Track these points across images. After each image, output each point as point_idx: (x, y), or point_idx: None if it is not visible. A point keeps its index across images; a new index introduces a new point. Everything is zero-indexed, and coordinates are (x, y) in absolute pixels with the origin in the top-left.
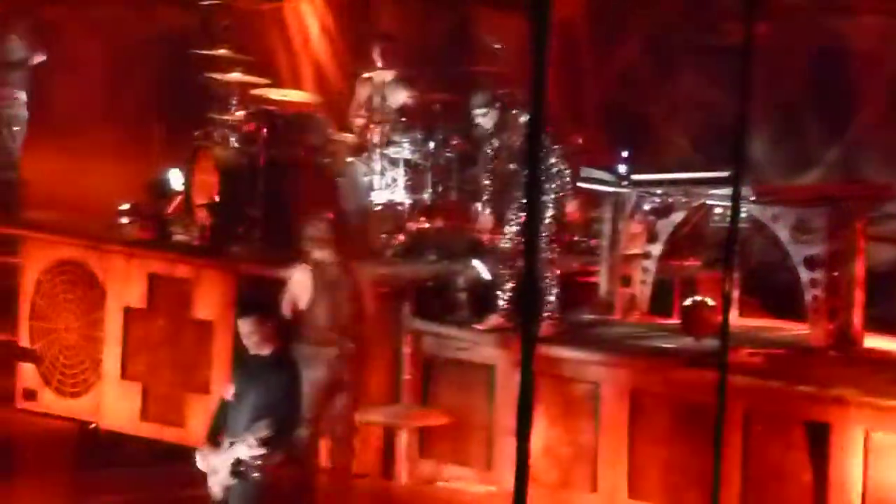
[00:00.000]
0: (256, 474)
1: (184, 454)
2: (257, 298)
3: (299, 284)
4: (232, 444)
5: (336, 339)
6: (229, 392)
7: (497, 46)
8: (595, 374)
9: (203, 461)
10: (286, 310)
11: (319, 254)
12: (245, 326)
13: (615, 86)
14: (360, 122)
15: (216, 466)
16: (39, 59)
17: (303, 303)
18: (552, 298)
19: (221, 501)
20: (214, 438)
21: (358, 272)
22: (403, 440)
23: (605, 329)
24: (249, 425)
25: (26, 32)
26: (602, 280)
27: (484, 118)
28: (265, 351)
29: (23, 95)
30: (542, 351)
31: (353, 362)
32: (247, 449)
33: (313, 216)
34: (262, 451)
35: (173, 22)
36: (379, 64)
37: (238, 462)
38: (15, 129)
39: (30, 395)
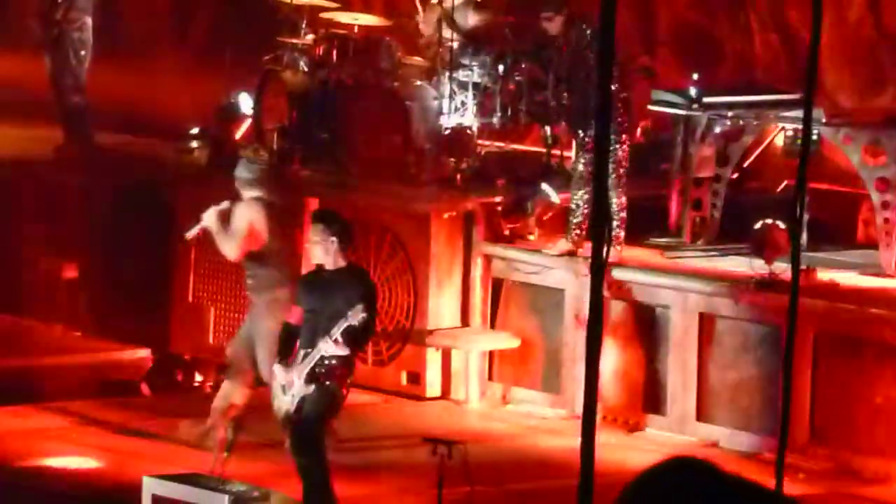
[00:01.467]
0: (329, 382)
1: None
2: (330, 212)
3: (247, 219)
4: (307, 353)
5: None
6: (296, 314)
7: None
8: (665, 298)
9: (276, 379)
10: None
11: (251, 192)
12: (313, 234)
13: (687, 7)
14: (429, 45)
15: (289, 383)
16: None
17: (254, 237)
18: (616, 225)
19: (291, 416)
20: (284, 358)
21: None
22: (473, 363)
23: (675, 252)
24: (330, 329)
25: None
26: (673, 204)
27: (550, 23)
28: (334, 264)
29: (89, 20)
30: (613, 275)
31: None
32: (331, 346)
33: (245, 158)
34: (342, 347)
35: None
36: None
37: (317, 364)
38: (81, 53)
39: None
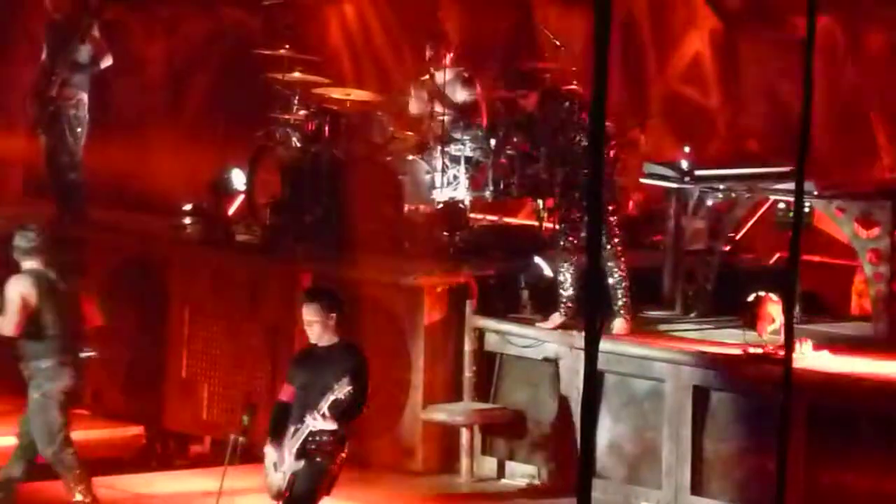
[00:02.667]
0: (319, 458)
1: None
2: (323, 289)
3: (18, 292)
4: (297, 429)
5: (70, 348)
6: (287, 392)
7: (559, 44)
8: (659, 371)
9: (267, 457)
10: (15, 321)
11: (30, 263)
12: (310, 314)
13: (678, 81)
14: (421, 120)
15: (280, 459)
16: (107, 63)
17: (27, 310)
18: (622, 294)
19: (282, 493)
20: (276, 436)
21: (74, 281)
22: (466, 437)
23: (668, 325)
24: (319, 403)
25: (94, 35)
26: (666, 276)
27: (525, 100)
28: (328, 341)
29: (85, 97)
30: (606, 347)
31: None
32: (319, 420)
33: (21, 226)
34: (329, 423)
35: (235, 21)
36: (440, 62)
37: (307, 440)
38: (78, 130)
39: (97, 397)
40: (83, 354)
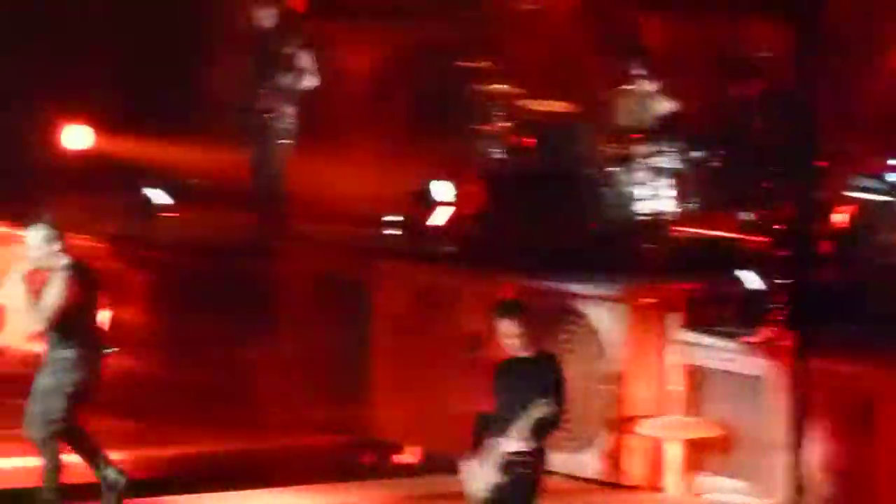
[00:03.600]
0: (521, 471)
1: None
2: (518, 301)
3: (65, 282)
4: (498, 442)
5: (94, 343)
6: (489, 403)
7: (763, 56)
8: (870, 387)
9: (468, 469)
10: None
11: (65, 259)
12: (508, 327)
13: (888, 91)
14: (623, 131)
15: (482, 471)
16: (312, 79)
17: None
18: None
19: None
20: (476, 446)
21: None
22: (673, 452)
23: (878, 339)
24: (518, 418)
25: (299, 49)
26: (872, 289)
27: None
28: (527, 352)
29: (290, 109)
30: (815, 362)
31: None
32: (516, 440)
33: (33, 224)
34: (530, 441)
35: (438, 34)
36: (641, 73)
37: (507, 455)
38: (282, 142)
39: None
40: (106, 350)
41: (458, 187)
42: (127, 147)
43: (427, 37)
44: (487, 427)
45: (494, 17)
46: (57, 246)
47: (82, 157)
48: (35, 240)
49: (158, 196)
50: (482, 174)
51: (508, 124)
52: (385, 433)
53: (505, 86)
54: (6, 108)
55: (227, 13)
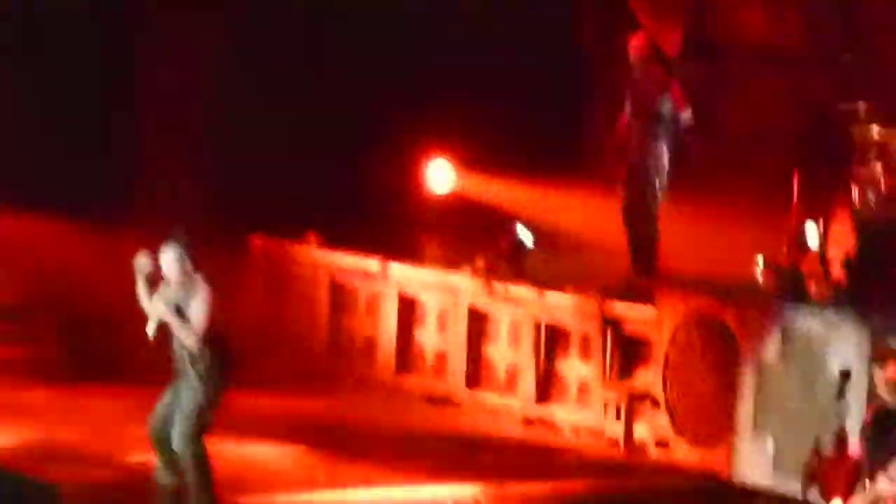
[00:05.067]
0: None
1: None
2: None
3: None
4: (867, 489)
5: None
6: (855, 447)
7: None
8: None
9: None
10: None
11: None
12: (881, 375)
13: None
14: None
15: None
16: (686, 118)
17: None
18: None
19: None
20: (849, 494)
21: None
22: None
23: None
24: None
25: (676, 89)
26: None
27: None
28: None
29: (665, 150)
30: None
31: None
32: (888, 483)
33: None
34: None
35: (811, 76)
36: None
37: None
38: (656, 183)
39: (662, 445)
40: None
41: (828, 231)
42: (492, 187)
43: (800, 79)
44: (860, 475)
45: (870, 58)
46: (189, 264)
47: (447, 196)
48: (168, 260)
49: (527, 237)
50: (855, 218)
51: (883, 168)
52: (747, 476)
53: (882, 128)
54: (369, 150)
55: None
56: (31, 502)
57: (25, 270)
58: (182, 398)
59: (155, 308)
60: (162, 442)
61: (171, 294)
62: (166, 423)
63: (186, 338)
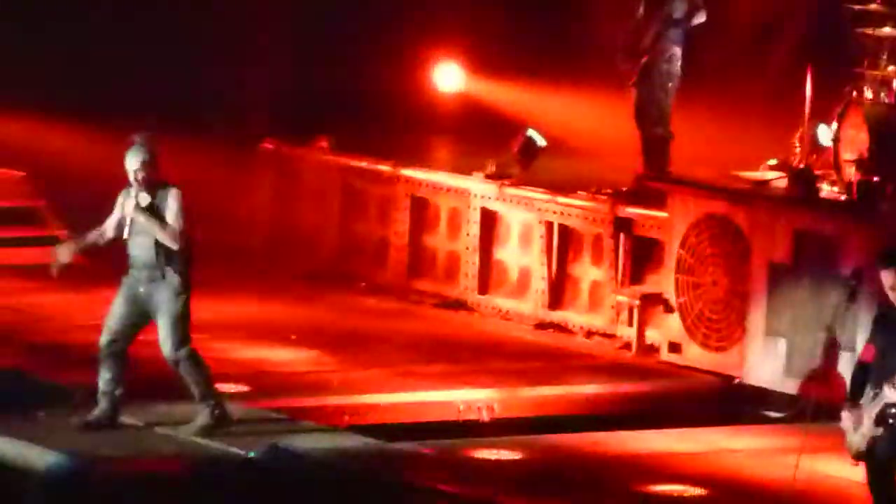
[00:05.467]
0: None
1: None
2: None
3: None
4: (876, 394)
5: None
6: (868, 352)
7: None
8: None
9: (845, 419)
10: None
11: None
12: (891, 277)
13: None
14: None
15: (858, 421)
16: (700, 19)
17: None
18: None
19: (863, 454)
20: (855, 397)
21: None
22: None
23: None
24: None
25: None
26: None
27: None
28: None
29: (678, 51)
30: None
31: None
32: (894, 392)
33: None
34: None
35: None
36: None
37: (886, 407)
38: (669, 84)
39: (674, 348)
40: None
41: (839, 132)
42: (499, 90)
43: None
44: (866, 377)
45: None
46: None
47: (453, 98)
48: (135, 163)
49: (539, 139)
50: (867, 119)
51: (895, 68)
52: (758, 379)
53: (893, 29)
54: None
55: None
56: None
57: None
58: (159, 308)
59: (127, 209)
60: (116, 356)
61: (141, 197)
62: (126, 339)
63: (166, 238)
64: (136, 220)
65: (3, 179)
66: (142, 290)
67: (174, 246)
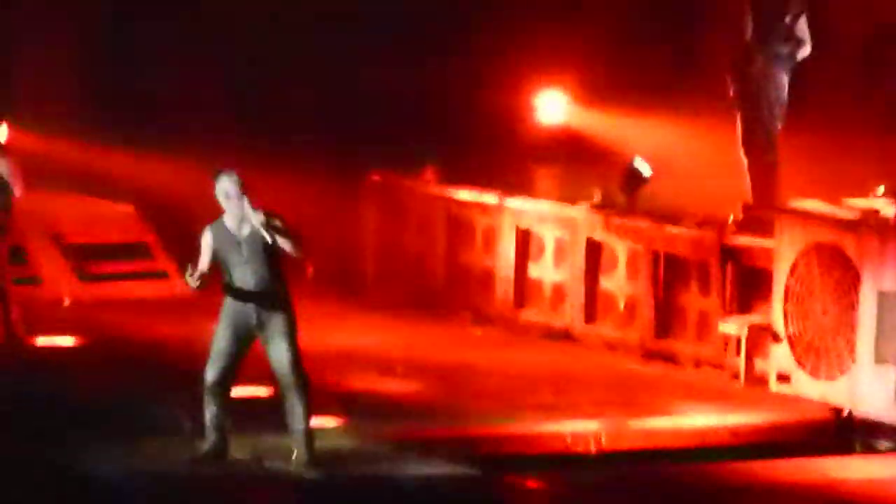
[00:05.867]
0: None
1: None
2: None
3: None
4: None
5: None
6: None
7: None
8: None
9: None
10: None
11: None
12: None
13: None
14: None
15: None
16: (804, 53)
17: None
18: None
19: None
20: None
21: None
22: None
23: None
24: None
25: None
26: None
27: None
28: None
29: (786, 78)
30: None
31: None
32: None
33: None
34: None
35: None
36: None
37: None
38: (776, 109)
39: (783, 378)
40: None
41: None
42: (605, 119)
43: None
44: None
45: None
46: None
47: (558, 129)
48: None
49: (645, 168)
50: None
51: None
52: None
53: None
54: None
55: None
56: None
57: None
58: (276, 334)
59: (243, 232)
60: (226, 392)
61: (256, 217)
62: (235, 374)
63: (297, 247)
64: (253, 243)
65: (113, 214)
66: (253, 321)
67: (301, 254)
